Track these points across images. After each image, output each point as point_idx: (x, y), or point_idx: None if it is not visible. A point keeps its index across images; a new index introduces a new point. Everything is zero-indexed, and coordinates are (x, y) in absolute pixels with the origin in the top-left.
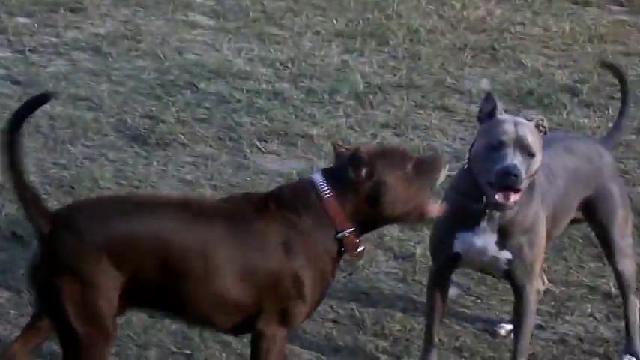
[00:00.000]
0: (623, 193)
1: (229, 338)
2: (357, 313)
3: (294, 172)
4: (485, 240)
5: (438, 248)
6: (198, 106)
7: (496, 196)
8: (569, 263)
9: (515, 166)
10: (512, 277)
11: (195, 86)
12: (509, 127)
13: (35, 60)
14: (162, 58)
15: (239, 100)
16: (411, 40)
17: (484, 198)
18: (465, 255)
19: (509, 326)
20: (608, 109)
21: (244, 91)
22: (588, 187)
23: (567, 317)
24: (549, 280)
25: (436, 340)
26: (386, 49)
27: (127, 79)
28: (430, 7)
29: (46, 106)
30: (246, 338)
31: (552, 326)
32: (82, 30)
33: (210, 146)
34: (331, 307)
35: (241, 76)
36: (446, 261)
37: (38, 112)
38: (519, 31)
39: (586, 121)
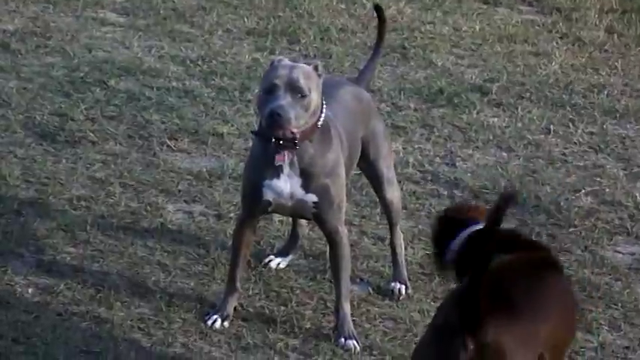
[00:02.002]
0: (384, 127)
1: (138, 336)
2: (267, 311)
3: (205, 169)
4: (290, 184)
5: (248, 196)
6: (108, 104)
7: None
8: None
9: (282, 106)
10: (322, 220)
11: (105, 83)
12: (282, 71)
13: None
14: (72, 55)
15: (149, 98)
16: (322, 39)
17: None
18: (274, 201)
19: None
20: (517, 109)
21: (154, 88)
22: (363, 126)
23: None
24: None
25: (238, 284)
26: (297, 48)
27: (35, 75)
28: (341, 5)
29: None
30: (158, 338)
31: None
32: None
33: (120, 144)
34: (241, 306)
35: (152, 74)
36: (256, 208)
37: None
38: (429, 30)
39: (495, 120)
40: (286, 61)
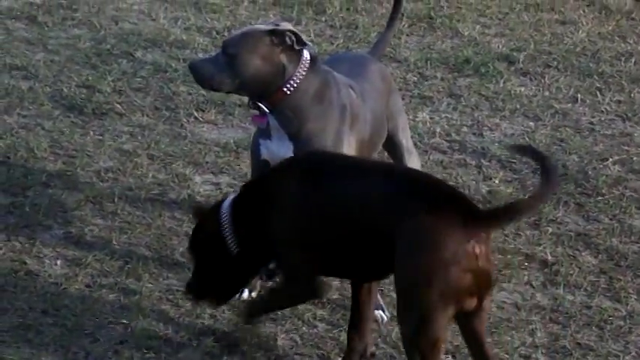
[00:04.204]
0: (400, 98)
1: (167, 307)
2: None
3: (232, 141)
4: (284, 148)
5: (251, 155)
6: (135, 76)
7: None
8: (506, 231)
9: (195, 61)
10: None
11: (132, 55)
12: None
13: None
14: (98, 27)
15: (176, 70)
16: (348, 9)
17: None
18: (271, 162)
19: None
20: (544, 78)
21: (181, 60)
22: (386, 103)
23: (504, 285)
24: None
25: None
26: (323, 18)
27: (62, 48)
28: None
29: None
30: (186, 310)
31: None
32: None
33: (147, 116)
34: (267, 277)
35: (178, 45)
36: (258, 167)
37: None
38: (456, 0)
39: (522, 89)
40: (250, 26)
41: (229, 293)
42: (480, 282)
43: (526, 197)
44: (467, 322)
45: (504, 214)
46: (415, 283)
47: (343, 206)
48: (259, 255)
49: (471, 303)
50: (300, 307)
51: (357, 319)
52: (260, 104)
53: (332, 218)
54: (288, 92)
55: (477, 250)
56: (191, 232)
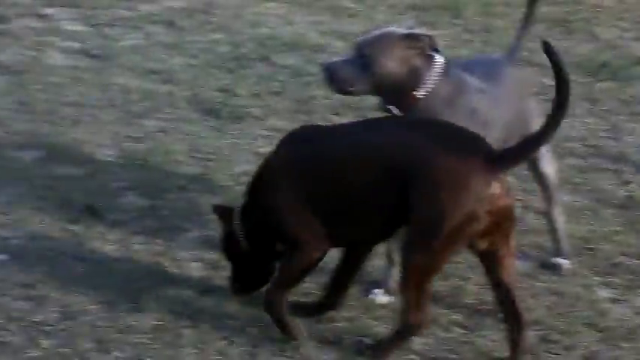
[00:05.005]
0: (536, 102)
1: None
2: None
3: None
4: None
5: None
6: (272, 80)
7: None
8: None
9: (328, 62)
10: None
11: (269, 59)
12: (364, 35)
13: (109, 34)
14: (236, 31)
15: (313, 74)
16: (484, 13)
17: None
18: None
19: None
20: None
21: (318, 64)
22: (521, 108)
23: None
24: (623, 254)
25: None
26: (459, 22)
27: (200, 52)
28: None
29: (120, 80)
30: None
31: (627, 300)
32: (156, 3)
33: (284, 119)
34: None
35: (315, 49)
36: None
37: (113, 86)
38: (593, 3)
39: None
40: (385, 29)
41: (258, 285)
42: (501, 220)
43: (535, 131)
44: (493, 270)
45: (519, 152)
46: (435, 218)
47: (348, 160)
48: (269, 246)
49: (483, 243)
50: (436, 311)
51: (338, 285)
52: (391, 108)
53: (336, 174)
54: (420, 96)
55: (498, 190)
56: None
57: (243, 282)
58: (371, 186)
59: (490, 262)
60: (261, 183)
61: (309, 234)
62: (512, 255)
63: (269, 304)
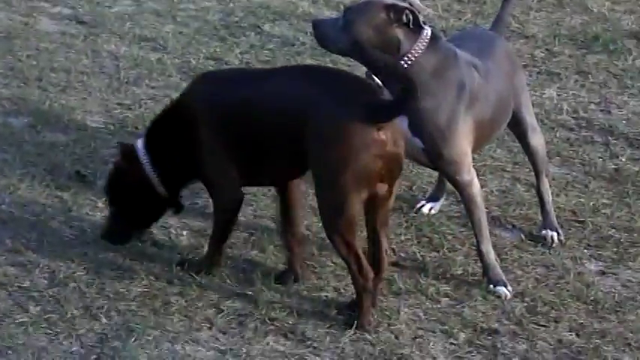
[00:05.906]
0: (524, 75)
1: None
2: (419, 257)
3: None
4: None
5: None
6: (262, 48)
7: None
8: (633, 210)
9: (317, 19)
10: (438, 169)
11: (260, 28)
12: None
13: (100, 0)
14: None
15: (303, 43)
16: None
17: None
18: None
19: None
20: None
21: (308, 33)
22: (511, 81)
23: (630, 264)
24: (612, 227)
25: None
26: None
27: (191, 20)
28: None
29: (111, 47)
30: (312, 283)
31: (615, 272)
32: None
33: None
34: (393, 251)
35: (305, 19)
36: None
37: (103, 53)
38: None
39: None
40: None
41: (148, 224)
42: (389, 166)
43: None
44: (374, 209)
45: (403, 101)
46: (331, 171)
47: (253, 105)
48: (180, 180)
49: (382, 188)
50: (424, 282)
51: (289, 224)
52: (373, 77)
53: (244, 119)
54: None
55: (384, 137)
56: (109, 177)
57: (133, 225)
58: (271, 130)
59: (373, 206)
60: (176, 123)
61: (222, 178)
62: (391, 199)
63: (209, 267)
